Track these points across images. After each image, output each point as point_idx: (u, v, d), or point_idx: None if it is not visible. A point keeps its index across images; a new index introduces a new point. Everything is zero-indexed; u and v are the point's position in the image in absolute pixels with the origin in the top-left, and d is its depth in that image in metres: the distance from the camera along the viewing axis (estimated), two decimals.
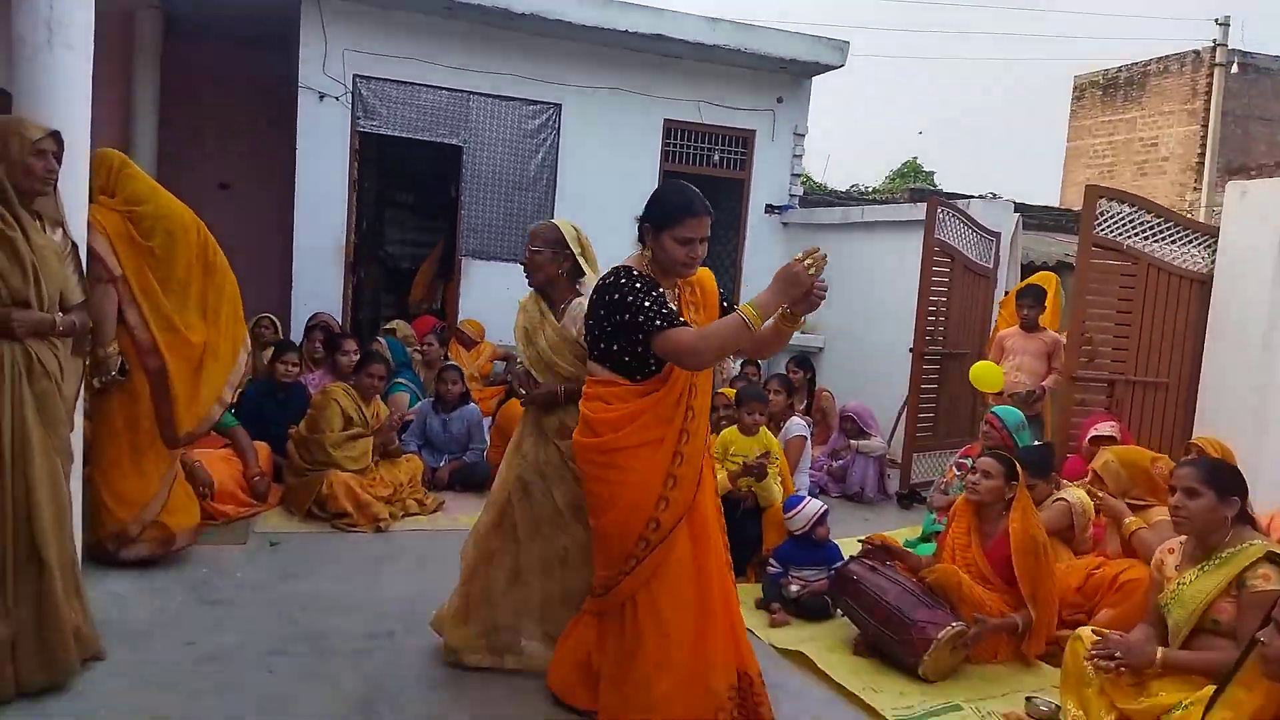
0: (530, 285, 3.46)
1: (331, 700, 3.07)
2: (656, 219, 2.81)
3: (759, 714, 2.95)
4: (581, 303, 3.28)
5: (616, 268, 2.85)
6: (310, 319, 7.39)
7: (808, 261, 2.56)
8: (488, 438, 6.13)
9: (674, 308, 2.81)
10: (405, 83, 8.65)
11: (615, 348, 2.79)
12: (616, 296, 2.74)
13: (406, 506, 5.28)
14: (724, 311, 3.02)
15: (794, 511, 4.36)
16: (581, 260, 3.40)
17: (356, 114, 8.51)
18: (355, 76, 8.43)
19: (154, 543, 4.07)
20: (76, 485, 3.35)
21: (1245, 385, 5.64)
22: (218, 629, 3.57)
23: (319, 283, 8.49)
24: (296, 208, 8.45)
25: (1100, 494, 4.19)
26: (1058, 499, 4.50)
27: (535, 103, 9.14)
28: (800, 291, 2.58)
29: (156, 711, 2.91)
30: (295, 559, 4.45)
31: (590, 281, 3.27)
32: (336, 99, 8.38)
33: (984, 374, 6.06)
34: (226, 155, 9.85)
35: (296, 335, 7.62)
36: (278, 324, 7.14)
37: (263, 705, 3.00)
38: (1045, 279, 7.40)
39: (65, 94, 3.37)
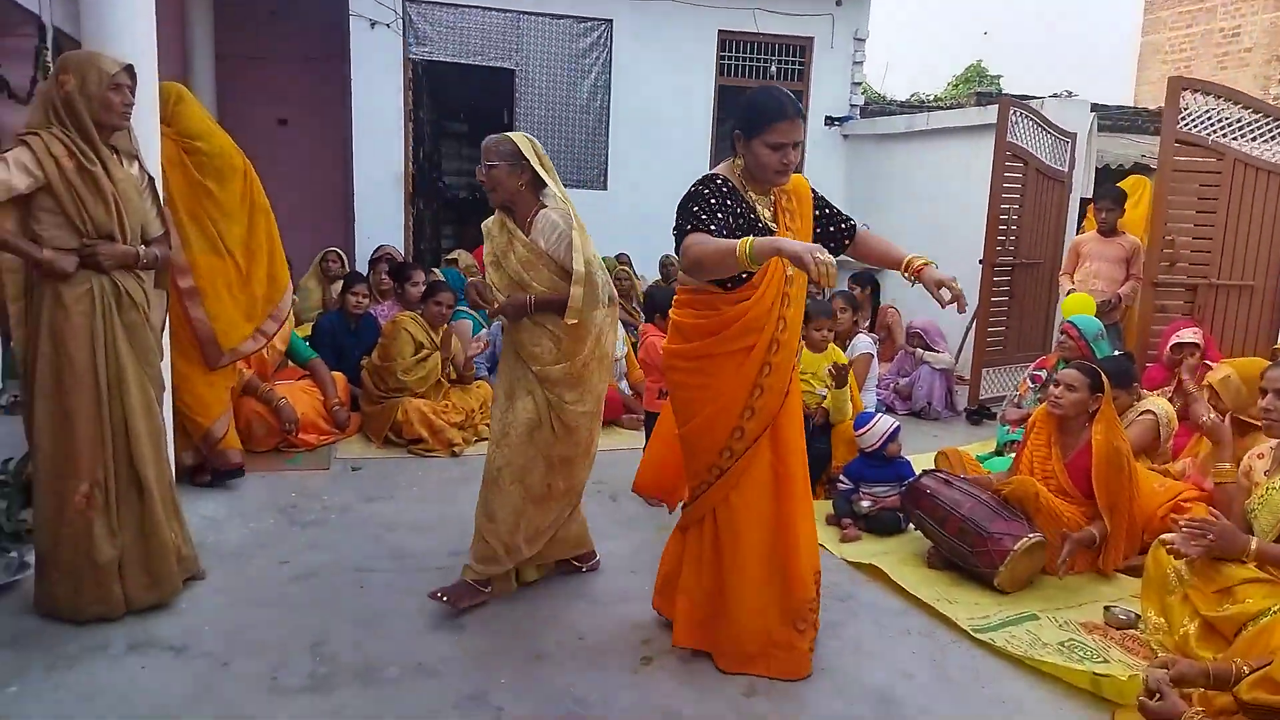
0: (492, 205, 3.34)
1: (420, 613, 3.20)
2: (747, 124, 2.72)
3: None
4: (549, 214, 3.22)
5: (703, 176, 2.78)
6: (375, 251, 7.48)
7: (822, 269, 2.26)
8: None
9: (765, 217, 2.78)
10: (455, 5, 8.53)
11: None
12: (683, 202, 2.72)
13: (479, 431, 5.39)
14: (828, 219, 2.98)
15: (866, 428, 4.34)
16: (540, 170, 3.22)
17: (408, 40, 8.46)
18: (405, 1, 8.34)
19: (236, 451, 4.35)
20: (168, 412, 3.48)
21: None
22: (309, 549, 3.73)
23: (380, 215, 8.57)
24: (355, 140, 8.49)
25: (1207, 418, 3.98)
26: (1144, 411, 4.38)
27: (586, 19, 8.95)
28: (800, 265, 2.31)
29: (258, 626, 3.07)
30: (376, 483, 4.60)
31: (553, 194, 3.23)
32: (388, 25, 8.32)
33: (1076, 305, 5.78)
34: (284, 90, 9.87)
35: (362, 268, 7.73)
36: (344, 257, 7.25)
37: (357, 618, 3.15)
38: (1137, 183, 7.06)
39: (130, 29, 3.42)
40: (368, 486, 4.54)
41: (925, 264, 2.76)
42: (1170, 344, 4.99)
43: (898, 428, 4.37)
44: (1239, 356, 5.69)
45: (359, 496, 4.39)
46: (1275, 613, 2.75)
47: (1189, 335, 4.92)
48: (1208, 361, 4.68)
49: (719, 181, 2.75)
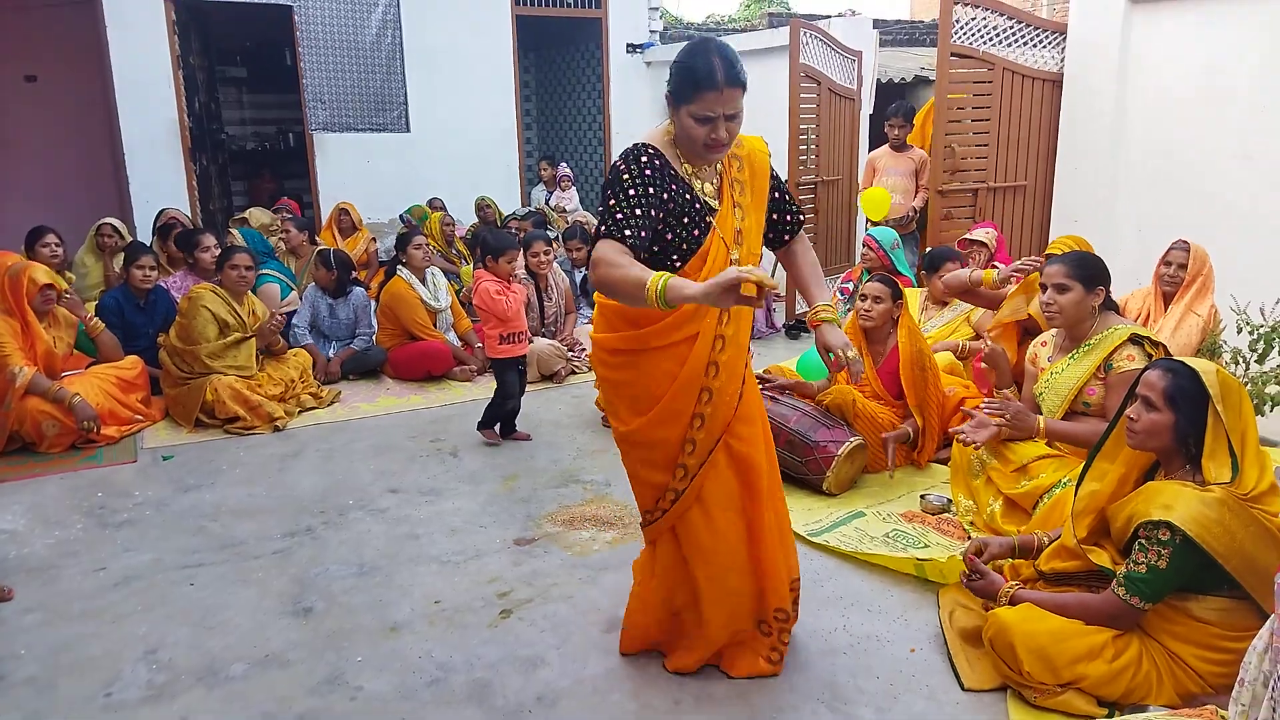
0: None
1: (261, 603, 3.05)
2: (675, 90, 2.26)
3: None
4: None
5: (628, 148, 2.33)
6: (158, 216, 6.86)
7: (754, 283, 1.93)
8: (375, 322, 5.96)
9: (705, 193, 2.36)
10: None
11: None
12: (603, 190, 2.29)
13: (302, 402, 5.12)
14: (775, 204, 2.56)
15: None
16: None
17: None
18: None
19: None
20: None
21: (1098, 179, 5.97)
22: (127, 550, 3.46)
23: (156, 176, 7.86)
24: (117, 94, 7.68)
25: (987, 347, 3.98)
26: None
27: None
28: (728, 303, 1.95)
29: (82, 641, 2.84)
30: (192, 470, 4.30)
31: None
32: None
33: (871, 200, 6.16)
34: (29, 42, 8.75)
35: (145, 235, 7.10)
36: (120, 228, 6.60)
37: (191, 619, 2.96)
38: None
39: None
40: (183, 475, 4.24)
41: (827, 320, 2.41)
42: (962, 240, 5.33)
43: None
44: (1019, 252, 6.26)
45: (175, 487, 4.09)
46: (1065, 484, 3.09)
47: (979, 234, 5.24)
48: (995, 263, 5.06)
49: (646, 157, 2.28)
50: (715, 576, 2.49)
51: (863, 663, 2.65)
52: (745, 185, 2.44)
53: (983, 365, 3.97)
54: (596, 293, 2.40)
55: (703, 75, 2.20)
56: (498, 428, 4.63)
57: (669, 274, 2.05)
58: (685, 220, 2.31)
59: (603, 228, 2.23)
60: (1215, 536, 2.18)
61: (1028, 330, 4.15)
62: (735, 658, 2.62)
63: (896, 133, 6.59)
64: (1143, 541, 2.28)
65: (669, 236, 2.31)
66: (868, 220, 6.41)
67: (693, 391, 2.35)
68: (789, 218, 2.63)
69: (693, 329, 2.33)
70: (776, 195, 2.57)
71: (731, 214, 2.38)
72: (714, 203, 2.37)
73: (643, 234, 2.22)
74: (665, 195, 2.28)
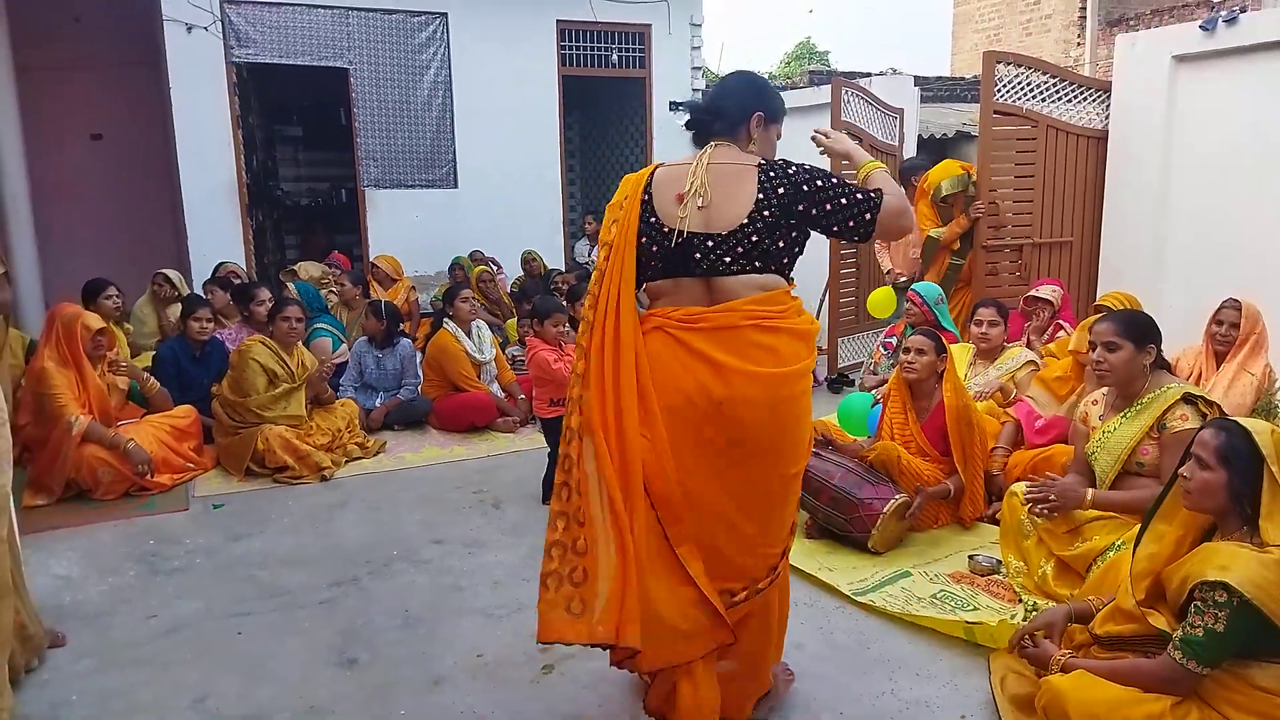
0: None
1: (308, 653, 3.08)
2: (773, 109, 2.48)
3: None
4: None
5: (771, 161, 2.39)
6: (215, 269, 7.08)
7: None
8: (420, 373, 6.06)
9: None
10: (277, 3, 8.13)
11: (794, 248, 2.39)
12: (819, 183, 2.31)
13: (349, 452, 5.20)
14: None
15: None
16: None
17: (229, 43, 7.99)
18: (223, 2, 7.90)
19: None
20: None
21: (1143, 236, 5.92)
22: (177, 598, 3.51)
23: (214, 230, 8.10)
24: (179, 151, 7.98)
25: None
26: (1027, 360, 4.69)
27: (419, 13, 8.72)
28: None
29: (132, 688, 2.88)
30: (242, 518, 4.38)
31: None
32: (205, 29, 7.84)
33: (877, 301, 6.04)
34: (96, 102, 9.16)
35: (201, 288, 7.31)
36: (175, 280, 6.82)
37: (239, 667, 3.00)
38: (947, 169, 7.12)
39: None
40: (233, 524, 4.31)
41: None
42: (1025, 297, 5.29)
43: None
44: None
45: (225, 535, 4.17)
46: (1120, 547, 3.02)
47: (1045, 291, 5.18)
48: (1060, 321, 5.01)
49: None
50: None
51: None
52: None
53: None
54: (775, 321, 2.32)
55: (783, 103, 2.53)
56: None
57: (871, 163, 2.46)
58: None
59: (873, 195, 2.34)
60: (1275, 599, 2.13)
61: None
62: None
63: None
64: (1199, 604, 2.22)
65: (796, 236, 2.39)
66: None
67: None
68: None
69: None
70: None
71: None
72: None
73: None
74: None
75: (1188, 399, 3.09)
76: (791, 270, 2.42)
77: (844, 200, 2.31)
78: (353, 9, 8.40)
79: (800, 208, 2.31)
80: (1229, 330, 4.29)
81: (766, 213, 2.31)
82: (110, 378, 4.91)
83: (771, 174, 2.33)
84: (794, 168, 2.35)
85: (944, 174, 6.13)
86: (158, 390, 5.17)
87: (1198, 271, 5.53)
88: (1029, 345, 5.00)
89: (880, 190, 2.34)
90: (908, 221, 2.39)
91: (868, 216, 2.32)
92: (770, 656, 2.61)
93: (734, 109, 2.43)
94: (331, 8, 8.33)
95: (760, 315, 2.30)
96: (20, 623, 2.91)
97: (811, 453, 4.00)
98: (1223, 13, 5.49)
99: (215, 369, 5.39)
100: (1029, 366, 4.66)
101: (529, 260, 8.68)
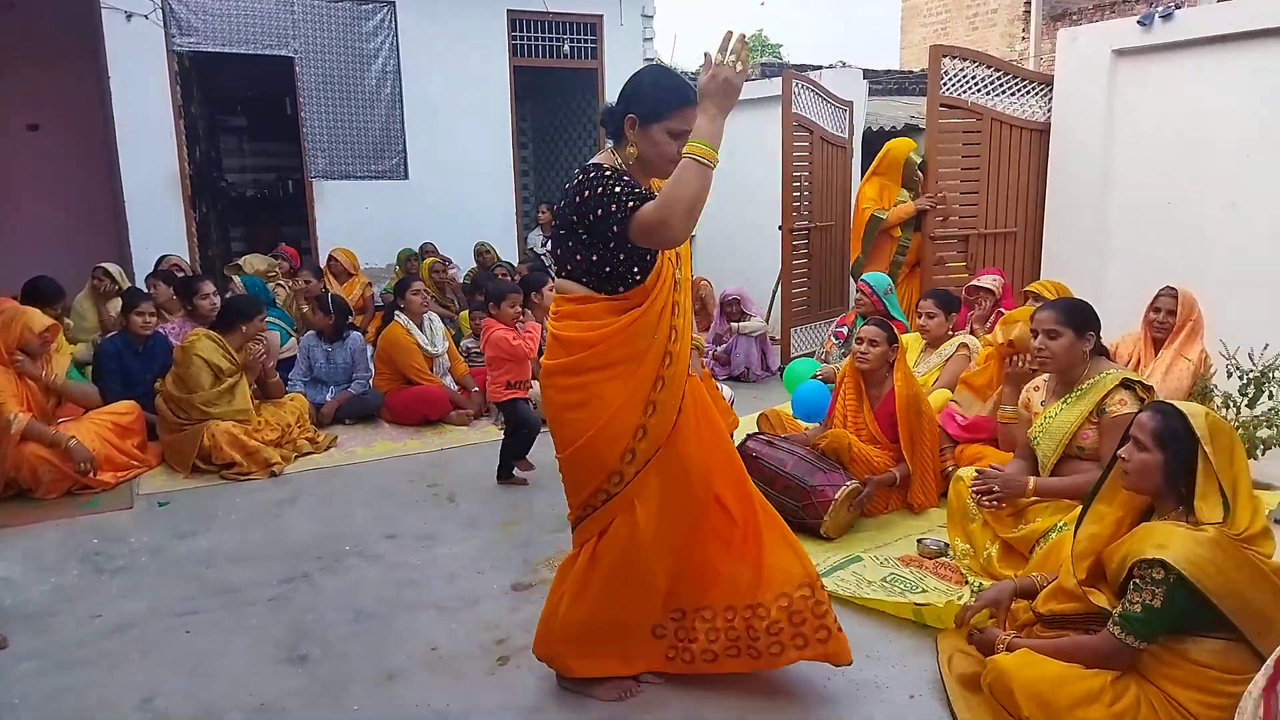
0: None
1: (257, 650, 3.04)
2: (646, 108, 2.42)
3: (824, 624, 2.64)
4: None
5: (585, 166, 2.49)
6: (157, 263, 6.92)
7: (732, 57, 2.23)
8: (372, 367, 5.99)
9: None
10: None
11: (594, 257, 2.45)
12: (588, 193, 2.39)
13: (299, 447, 5.13)
14: None
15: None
16: None
17: (171, 31, 7.81)
18: None
19: None
20: None
21: (1086, 226, 6.06)
22: (123, 597, 3.44)
23: (156, 223, 7.91)
24: (118, 142, 7.77)
25: (1017, 363, 4.03)
26: (960, 343, 4.76)
27: (366, 1, 8.59)
28: (735, 94, 2.25)
29: (77, 689, 2.81)
30: (188, 516, 4.29)
31: None
32: (146, 17, 7.65)
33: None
34: (33, 92, 8.88)
35: (143, 282, 7.14)
36: (114, 273, 6.65)
37: (187, 666, 2.94)
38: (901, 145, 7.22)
39: None
40: (179, 521, 4.23)
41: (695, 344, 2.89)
42: (966, 286, 5.37)
43: (734, 397, 4.56)
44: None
45: (171, 533, 4.08)
46: (1062, 529, 3.10)
47: (986, 281, 5.28)
48: (1002, 309, 5.11)
49: (609, 170, 2.45)
50: (616, 580, 2.57)
51: (862, 710, 2.64)
52: None
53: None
54: (552, 322, 2.56)
55: (680, 92, 2.42)
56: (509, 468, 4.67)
57: (696, 140, 2.23)
58: None
59: (629, 202, 2.33)
60: (1209, 575, 2.20)
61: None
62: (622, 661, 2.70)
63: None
64: (1137, 581, 2.29)
65: (620, 255, 2.44)
66: (857, 272, 6.43)
67: (640, 405, 2.48)
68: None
69: (642, 346, 2.47)
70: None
71: None
72: None
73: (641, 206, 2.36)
74: (645, 195, 2.40)
75: (1126, 384, 3.18)
76: (611, 278, 2.46)
77: (600, 211, 2.37)
78: None
79: (574, 217, 2.45)
80: (1166, 317, 4.42)
81: (558, 221, 2.54)
82: (51, 375, 4.76)
83: (569, 185, 2.49)
84: (581, 178, 2.44)
85: (906, 148, 6.22)
86: (63, 384, 4.93)
87: (1139, 260, 5.68)
88: (972, 333, 5.09)
89: (635, 205, 2.33)
90: (660, 237, 2.33)
91: (615, 229, 2.37)
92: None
93: (614, 113, 2.51)
94: None
95: (554, 314, 2.57)
96: None
97: (763, 441, 4.09)
98: (1159, 9, 5.64)
99: (159, 364, 5.26)
100: (960, 350, 4.74)
101: (483, 252, 8.62)
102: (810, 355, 6.76)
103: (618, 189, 2.36)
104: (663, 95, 2.43)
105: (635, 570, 2.57)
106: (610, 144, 2.56)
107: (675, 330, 2.52)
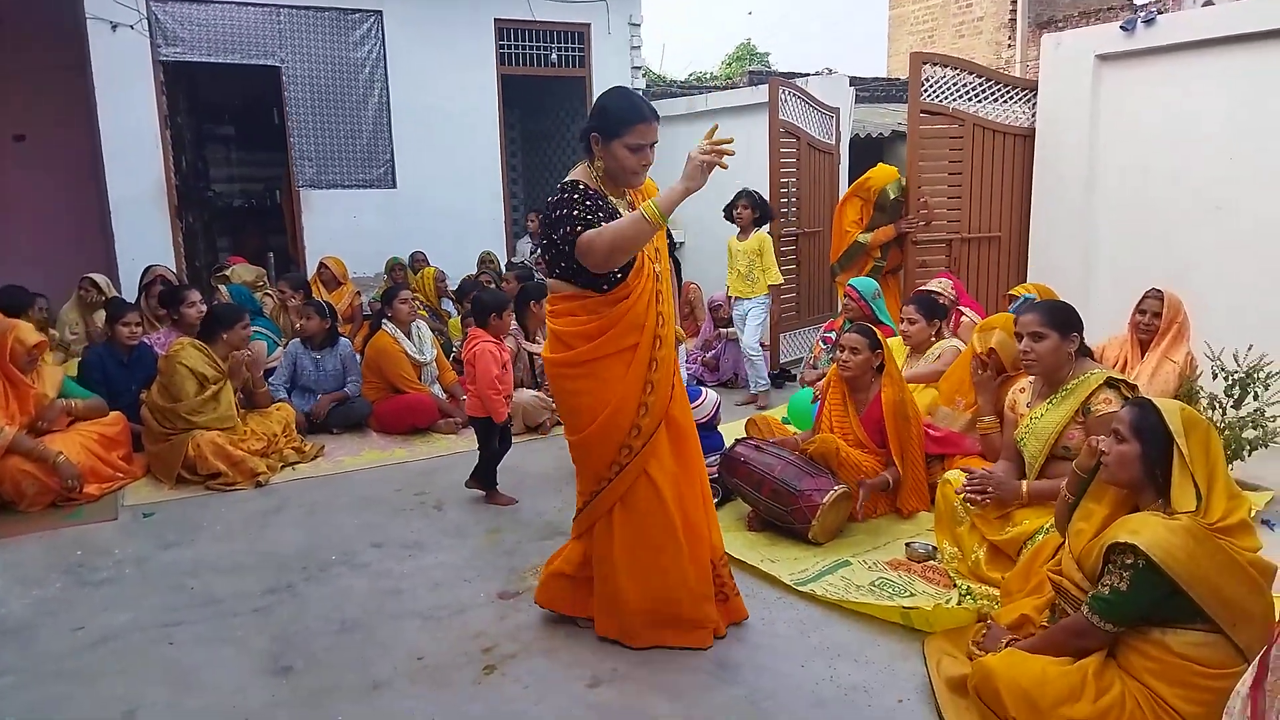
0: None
1: (241, 662, 3.01)
2: (606, 127, 2.77)
3: (724, 594, 3.11)
4: None
5: (563, 184, 2.81)
6: (145, 273, 6.88)
7: (718, 149, 2.58)
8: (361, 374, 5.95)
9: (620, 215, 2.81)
10: (206, 1, 7.94)
11: (577, 265, 2.76)
12: (558, 213, 2.74)
13: (285, 456, 5.10)
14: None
15: (698, 403, 4.32)
16: None
17: (157, 42, 7.81)
18: (149, 0, 7.68)
19: None
20: None
21: (1070, 231, 6.08)
22: (105, 609, 3.41)
23: (143, 233, 7.89)
24: (105, 153, 7.75)
25: (982, 372, 3.99)
26: (951, 348, 4.72)
27: (353, 11, 8.61)
28: (705, 178, 2.60)
29: (57, 703, 2.78)
30: (173, 527, 4.26)
31: None
32: (131, 27, 7.64)
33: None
34: (20, 103, 8.85)
35: (130, 292, 7.11)
36: (101, 283, 6.62)
37: (170, 679, 2.91)
38: (882, 175, 6.45)
39: None
40: (163, 532, 4.19)
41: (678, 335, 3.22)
42: (914, 291, 5.32)
43: (720, 402, 4.54)
44: (992, 300, 6.34)
45: (155, 544, 4.05)
46: (1048, 530, 3.10)
47: (933, 285, 5.27)
48: (961, 308, 5.12)
49: (582, 188, 2.78)
50: (641, 552, 2.91)
51: (851, 714, 2.63)
52: None
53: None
54: (550, 319, 2.90)
55: (633, 111, 2.76)
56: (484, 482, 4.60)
57: (650, 201, 2.61)
58: None
59: (577, 228, 2.69)
60: (1179, 561, 2.21)
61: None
62: (688, 635, 3.00)
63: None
64: (1110, 565, 2.33)
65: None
66: (836, 270, 6.42)
67: (639, 386, 2.83)
68: (670, 240, 3.10)
69: (635, 337, 2.81)
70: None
71: None
72: None
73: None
74: (602, 218, 2.74)
75: (1110, 383, 3.19)
76: (597, 278, 2.77)
77: (562, 230, 2.73)
78: (283, 6, 8.26)
79: (543, 233, 2.86)
80: (1152, 319, 4.43)
81: (543, 228, 2.88)
82: (41, 389, 4.70)
83: (549, 198, 2.84)
84: (555, 196, 2.78)
85: (886, 177, 6.20)
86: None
87: (1123, 263, 5.70)
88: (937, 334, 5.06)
89: (580, 230, 2.68)
90: (586, 261, 2.70)
91: (566, 247, 2.74)
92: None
93: (584, 132, 2.85)
94: (262, 5, 8.18)
95: (551, 312, 2.92)
96: None
97: (751, 445, 4.08)
98: (1141, 14, 5.67)
99: (144, 375, 5.23)
100: (950, 352, 4.71)
101: (486, 261, 8.61)
102: (799, 360, 6.77)
103: (575, 211, 2.72)
104: (620, 115, 2.76)
105: (661, 528, 2.89)
106: (586, 160, 2.89)
107: (662, 316, 2.86)
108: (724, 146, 2.58)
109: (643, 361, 2.82)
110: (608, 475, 2.88)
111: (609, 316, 2.79)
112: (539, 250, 9.24)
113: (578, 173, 2.86)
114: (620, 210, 2.84)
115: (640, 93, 10.10)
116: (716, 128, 2.69)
